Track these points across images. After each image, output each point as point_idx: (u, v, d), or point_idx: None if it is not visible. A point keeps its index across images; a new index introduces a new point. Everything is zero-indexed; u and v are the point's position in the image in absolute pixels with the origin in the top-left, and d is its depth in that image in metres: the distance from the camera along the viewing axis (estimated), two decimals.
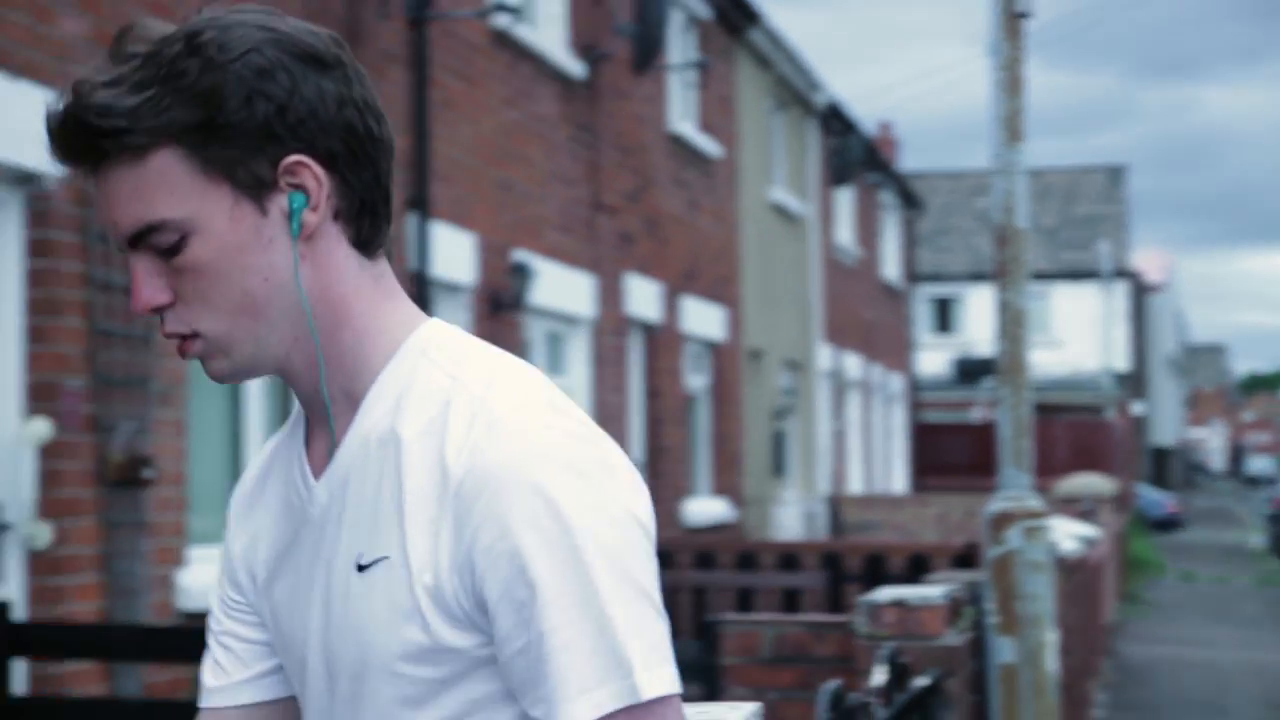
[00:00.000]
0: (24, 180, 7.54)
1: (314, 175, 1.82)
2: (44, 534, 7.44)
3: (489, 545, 1.73)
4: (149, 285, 1.82)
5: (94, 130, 1.78)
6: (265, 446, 2.04)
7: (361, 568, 1.81)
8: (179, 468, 8.47)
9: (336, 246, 1.84)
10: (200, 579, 8.55)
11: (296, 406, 1.96)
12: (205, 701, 2.03)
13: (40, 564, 7.53)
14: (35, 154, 7.38)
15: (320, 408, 1.89)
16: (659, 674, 1.72)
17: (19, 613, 7.33)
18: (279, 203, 1.81)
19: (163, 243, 1.80)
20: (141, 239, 1.81)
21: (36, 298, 7.57)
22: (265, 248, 1.80)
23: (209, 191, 1.79)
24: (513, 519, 1.72)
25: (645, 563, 1.76)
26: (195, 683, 8.18)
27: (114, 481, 7.82)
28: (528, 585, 1.71)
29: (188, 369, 8.62)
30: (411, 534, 1.78)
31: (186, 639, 7.11)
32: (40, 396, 7.54)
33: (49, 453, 7.52)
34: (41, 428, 7.41)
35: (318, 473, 1.89)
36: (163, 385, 8.30)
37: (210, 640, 2.04)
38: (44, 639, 6.77)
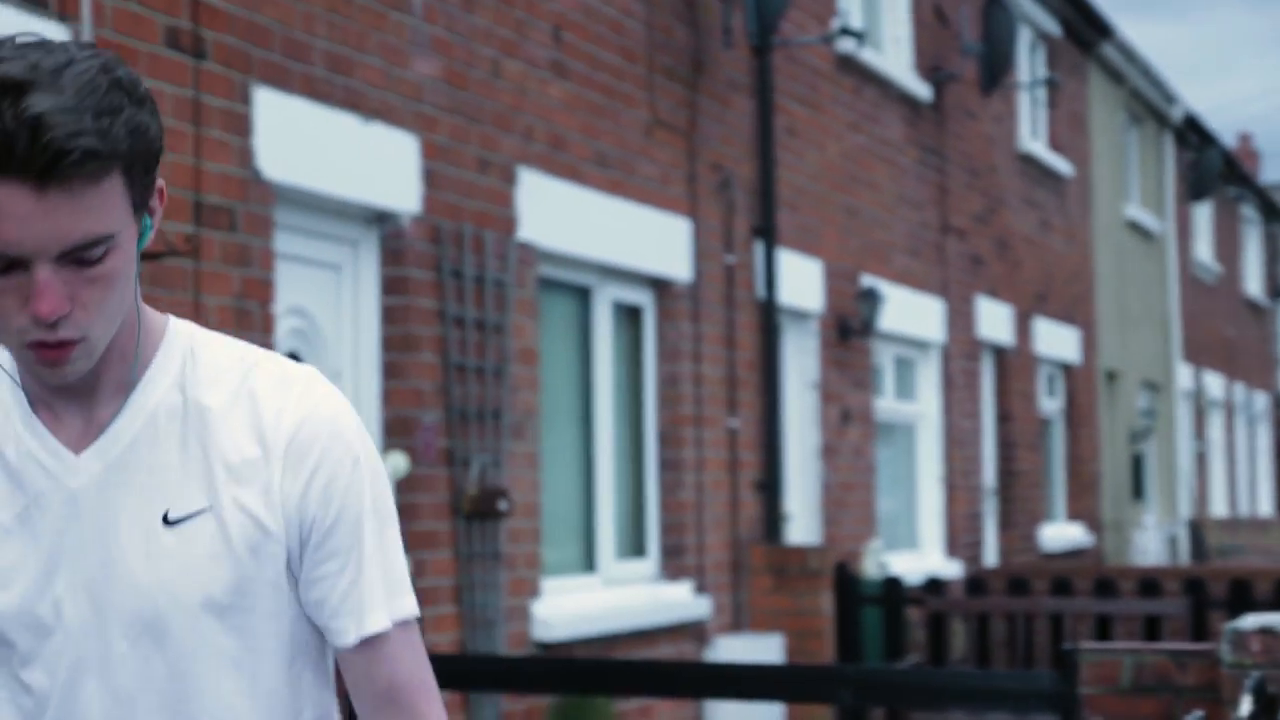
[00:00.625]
0: (379, 219, 7.71)
1: (162, 198, 2.08)
2: None
3: (325, 486, 2.09)
4: (61, 294, 1.96)
5: (65, 149, 1.91)
6: None
7: (171, 522, 2.06)
8: (532, 499, 8.57)
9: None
10: (555, 610, 8.63)
11: None
12: None
13: None
14: (390, 194, 7.55)
15: (84, 391, 2.09)
16: (412, 598, 2.16)
17: None
18: (142, 221, 2.04)
19: (95, 255, 1.97)
20: (76, 251, 1.95)
21: (392, 334, 7.73)
22: (133, 260, 2.02)
23: (127, 211, 1.99)
24: (341, 465, 2.10)
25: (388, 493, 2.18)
26: (550, 712, 8.27)
27: (469, 514, 7.94)
28: (353, 520, 2.11)
29: (540, 401, 8.72)
30: (237, 486, 2.07)
31: (543, 669, 7.19)
32: (397, 431, 7.70)
33: (406, 486, 7.67)
34: (399, 462, 7.56)
35: (74, 447, 2.09)
36: (516, 418, 8.41)
37: None
38: None
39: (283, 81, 6.98)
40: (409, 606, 2.15)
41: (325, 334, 7.53)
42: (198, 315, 6.43)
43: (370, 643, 2.13)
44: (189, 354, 2.14)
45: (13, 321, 1.97)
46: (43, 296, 1.94)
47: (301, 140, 7.08)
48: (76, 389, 2.10)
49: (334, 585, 2.12)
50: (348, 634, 2.13)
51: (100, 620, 2.08)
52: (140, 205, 2.01)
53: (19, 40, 1.99)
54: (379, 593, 2.13)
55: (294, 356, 7.34)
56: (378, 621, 2.13)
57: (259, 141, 6.81)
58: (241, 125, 6.73)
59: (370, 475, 2.13)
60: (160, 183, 2.06)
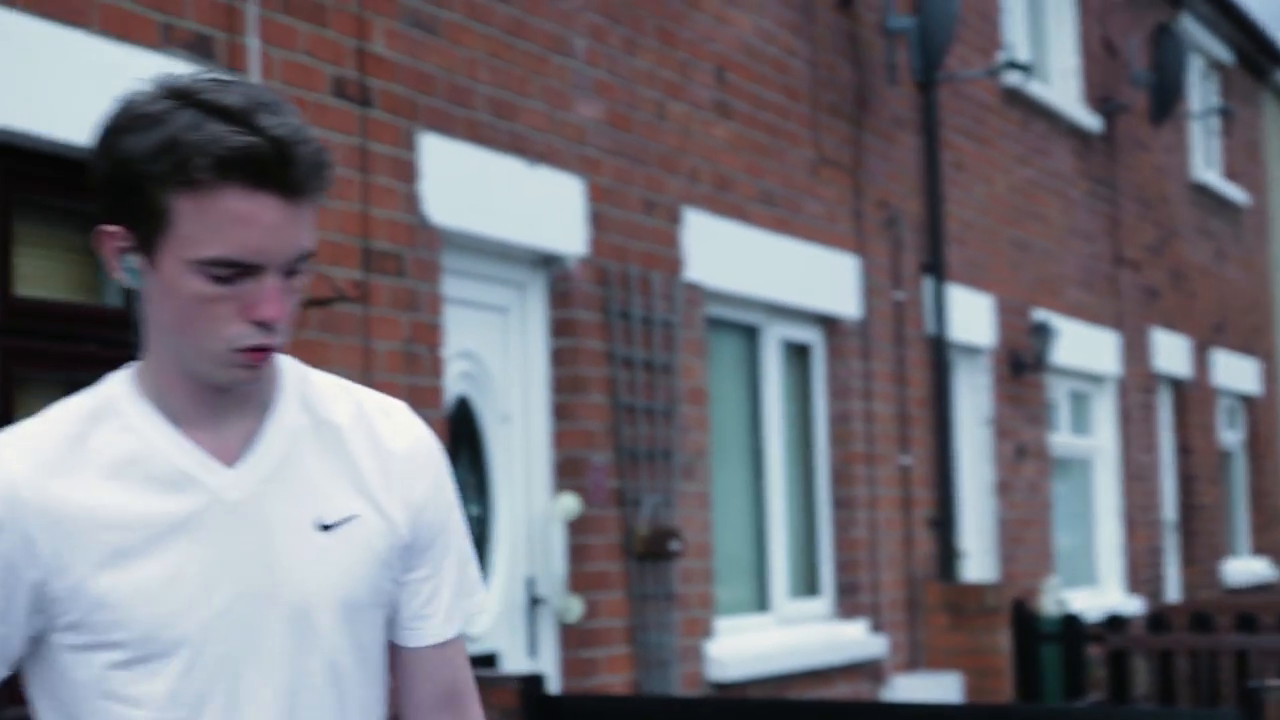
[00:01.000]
0: (546, 262, 7.77)
1: None
2: (575, 607, 7.61)
3: (432, 500, 2.31)
4: (284, 302, 2.14)
5: (316, 165, 2.13)
6: (36, 448, 2.20)
7: (326, 528, 2.22)
8: (704, 539, 8.57)
9: None
10: (729, 650, 8.62)
11: (90, 406, 2.24)
12: None
13: (572, 637, 7.70)
14: (556, 236, 7.60)
15: (231, 407, 2.23)
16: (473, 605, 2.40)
17: (553, 685, 7.51)
18: None
19: (301, 268, 2.16)
20: (296, 263, 2.14)
21: (561, 376, 7.77)
22: None
23: None
24: (441, 482, 2.34)
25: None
26: None
27: (641, 555, 7.95)
28: (444, 532, 2.33)
29: (710, 441, 8.72)
30: (378, 496, 2.27)
31: (718, 709, 7.17)
32: (567, 473, 7.74)
33: (577, 528, 7.70)
34: (570, 503, 7.59)
35: (224, 461, 2.21)
36: (686, 458, 8.41)
37: None
38: (577, 711, 6.91)
39: (448, 127, 7.05)
40: (471, 614, 2.39)
41: (494, 377, 7.59)
42: (367, 360, 6.50)
43: (441, 645, 2.35)
44: (303, 378, 2.31)
45: (226, 329, 2.13)
46: (272, 302, 2.12)
47: (467, 185, 7.15)
48: (226, 405, 2.23)
49: (419, 590, 2.33)
50: (425, 636, 2.35)
51: (264, 623, 2.20)
52: None
53: (197, 75, 2.16)
54: (455, 600, 2.36)
55: (462, 400, 7.40)
56: (452, 627, 2.36)
57: (425, 187, 6.89)
58: (408, 171, 6.82)
59: (454, 493, 2.38)
60: None
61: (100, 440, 2.20)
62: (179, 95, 2.12)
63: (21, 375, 5.39)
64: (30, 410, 5.39)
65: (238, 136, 2.07)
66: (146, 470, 2.19)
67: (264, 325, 2.12)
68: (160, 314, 2.17)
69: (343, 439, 2.28)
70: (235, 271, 2.11)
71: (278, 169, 2.08)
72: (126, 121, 2.13)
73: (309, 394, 2.29)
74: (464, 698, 2.41)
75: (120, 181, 2.12)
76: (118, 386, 2.25)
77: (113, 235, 2.16)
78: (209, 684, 2.18)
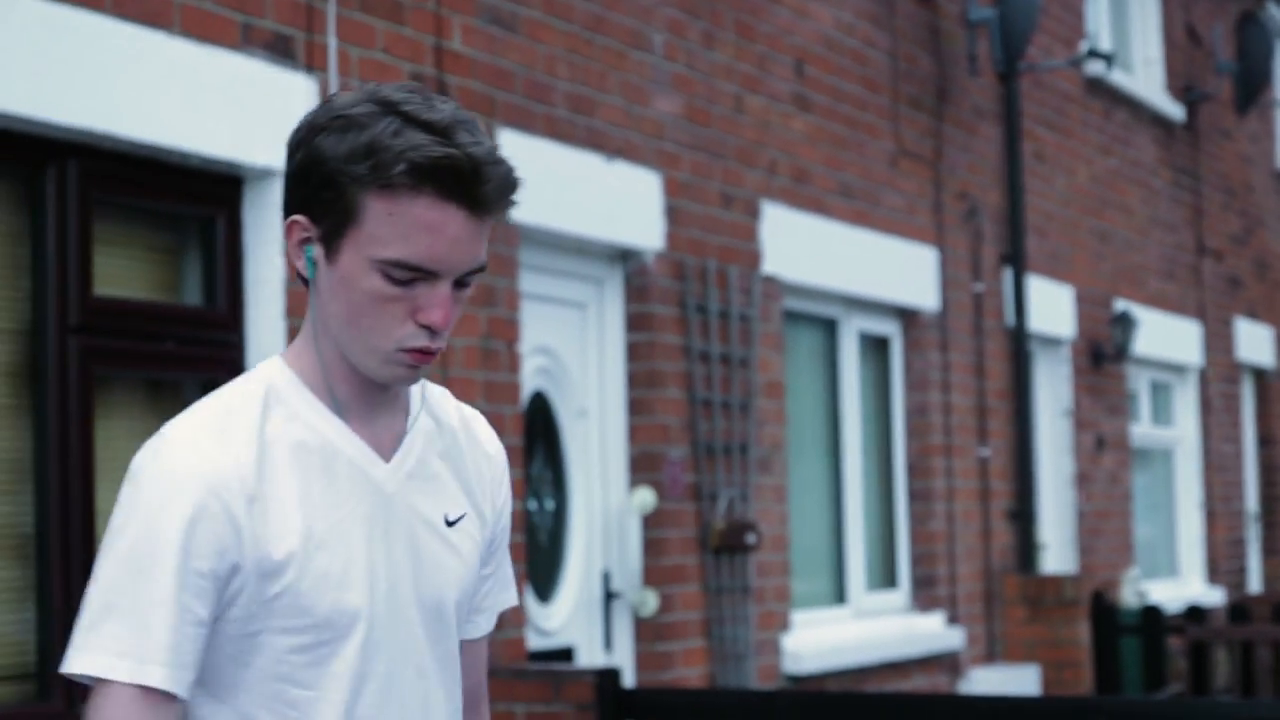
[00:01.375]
0: (624, 257, 7.78)
1: None
2: (650, 601, 7.63)
3: (507, 504, 2.49)
4: (453, 310, 2.25)
5: (508, 185, 2.25)
6: (227, 434, 2.26)
7: (450, 523, 2.37)
8: (781, 532, 8.57)
9: None
10: (806, 643, 8.62)
11: (257, 393, 2.29)
12: (176, 686, 2.19)
13: (647, 630, 7.73)
14: (634, 231, 7.62)
15: (385, 404, 2.35)
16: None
17: (628, 679, 7.54)
18: None
19: (471, 280, 2.27)
20: (470, 274, 2.25)
21: (637, 371, 7.79)
22: None
23: None
24: (509, 484, 2.51)
25: None
26: None
27: (717, 548, 7.97)
28: (506, 530, 2.51)
29: (786, 434, 8.73)
30: (477, 496, 2.42)
31: (794, 703, 7.18)
32: (643, 467, 7.75)
33: (653, 521, 7.72)
34: (646, 497, 7.61)
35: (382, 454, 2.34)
36: (762, 451, 8.42)
37: (187, 631, 2.20)
38: (653, 704, 6.93)
39: (526, 123, 7.08)
40: (503, 610, 2.56)
41: (571, 372, 7.62)
42: (445, 356, 6.54)
43: (482, 639, 2.54)
44: (422, 383, 2.43)
45: (396, 329, 2.24)
46: (442, 308, 2.24)
47: (545, 180, 7.17)
48: (381, 401, 2.36)
49: (481, 586, 2.50)
50: (480, 629, 2.52)
51: (408, 610, 2.34)
52: None
53: (403, 87, 2.27)
54: (499, 595, 2.54)
55: (539, 395, 7.44)
56: (492, 621, 2.53)
57: None
58: None
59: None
60: None
61: (273, 428, 2.28)
62: (383, 103, 2.22)
63: (101, 374, 5.46)
64: (109, 409, 5.46)
65: (437, 147, 2.18)
66: (321, 459, 2.29)
67: (430, 329, 2.23)
68: (332, 306, 2.26)
69: (455, 441, 2.43)
70: (413, 275, 2.21)
71: (470, 183, 2.19)
72: (328, 121, 2.23)
73: (429, 398, 2.43)
74: (484, 691, 2.58)
75: (317, 176, 2.23)
76: (276, 375, 2.32)
77: (299, 225, 2.26)
78: (371, 666, 2.29)
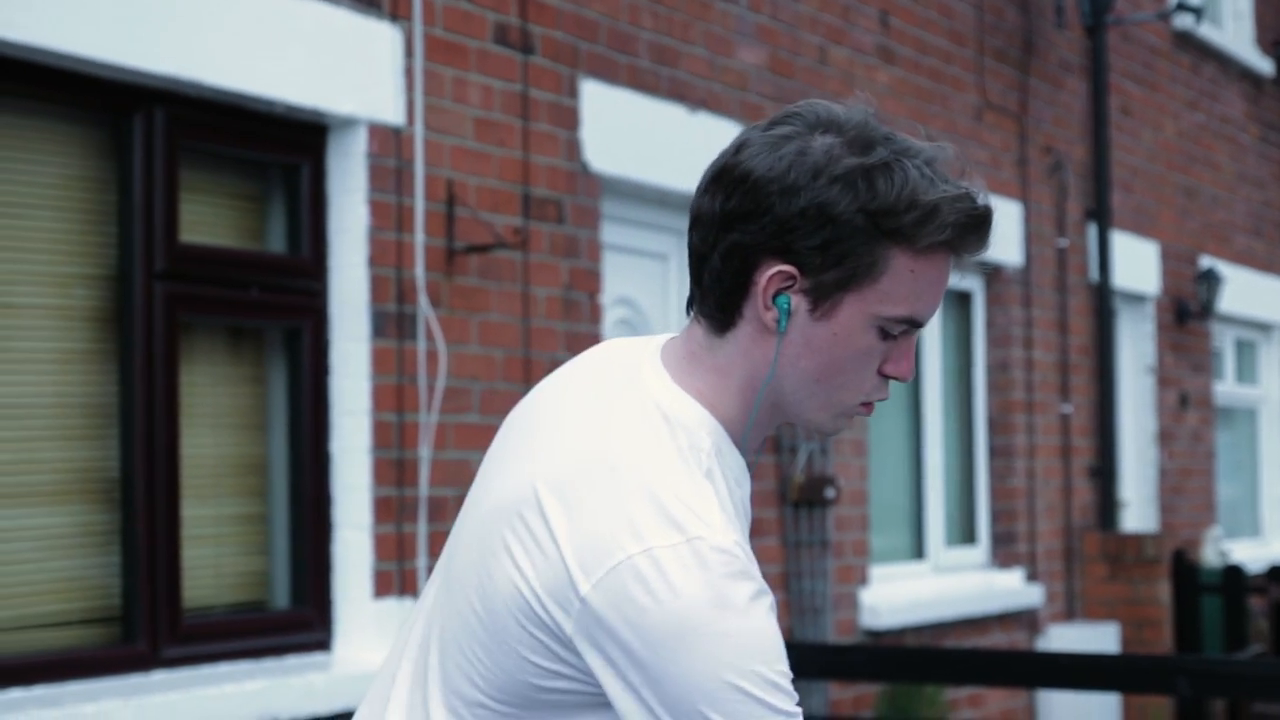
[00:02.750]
0: None
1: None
2: None
3: None
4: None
5: (990, 236, 2.11)
6: (725, 509, 2.04)
7: None
8: (860, 487, 8.56)
9: None
10: (884, 597, 8.61)
11: (712, 452, 2.07)
12: None
13: None
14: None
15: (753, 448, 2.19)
16: None
17: None
18: None
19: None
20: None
21: None
22: None
23: None
24: None
25: None
26: (880, 700, 8.25)
27: (796, 502, 7.96)
28: None
29: None
30: None
31: (872, 657, 7.17)
32: None
33: None
34: None
35: None
36: None
37: None
38: None
39: (609, 74, 7.06)
40: None
41: (652, 323, 7.61)
42: (526, 306, 6.55)
43: None
44: None
45: (867, 382, 2.10)
46: (911, 359, 2.11)
47: (628, 132, 7.16)
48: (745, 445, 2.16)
49: None
50: None
51: None
52: None
53: (866, 111, 2.14)
54: None
55: None
56: None
57: (586, 134, 6.91)
58: (569, 118, 6.84)
59: None
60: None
61: (724, 492, 2.07)
62: (883, 142, 2.09)
63: (185, 320, 5.49)
64: (193, 355, 5.50)
65: (969, 203, 2.06)
66: (743, 525, 2.12)
67: (903, 381, 2.11)
68: (804, 361, 2.08)
69: None
70: (905, 330, 2.08)
71: (985, 238, 2.09)
72: (846, 170, 2.05)
73: None
74: None
75: (830, 227, 2.04)
76: (708, 426, 2.10)
77: (783, 274, 2.06)
78: None
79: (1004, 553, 10.00)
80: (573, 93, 6.86)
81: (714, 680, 1.92)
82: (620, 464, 2.03)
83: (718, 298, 2.10)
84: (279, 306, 5.79)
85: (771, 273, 2.06)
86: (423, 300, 6.08)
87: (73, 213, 5.27)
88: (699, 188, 2.15)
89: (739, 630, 1.93)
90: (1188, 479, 12.18)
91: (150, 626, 5.30)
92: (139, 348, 5.31)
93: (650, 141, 7.28)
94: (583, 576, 1.96)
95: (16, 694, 4.91)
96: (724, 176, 2.09)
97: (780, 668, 1.96)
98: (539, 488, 2.05)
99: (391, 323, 5.99)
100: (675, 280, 7.71)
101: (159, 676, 5.32)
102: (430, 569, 5.96)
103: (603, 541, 1.97)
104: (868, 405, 2.12)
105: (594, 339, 6.91)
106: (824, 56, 8.45)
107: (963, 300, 9.94)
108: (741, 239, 2.07)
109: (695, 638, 1.92)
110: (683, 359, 2.14)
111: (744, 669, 1.92)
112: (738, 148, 2.10)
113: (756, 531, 7.74)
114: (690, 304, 2.17)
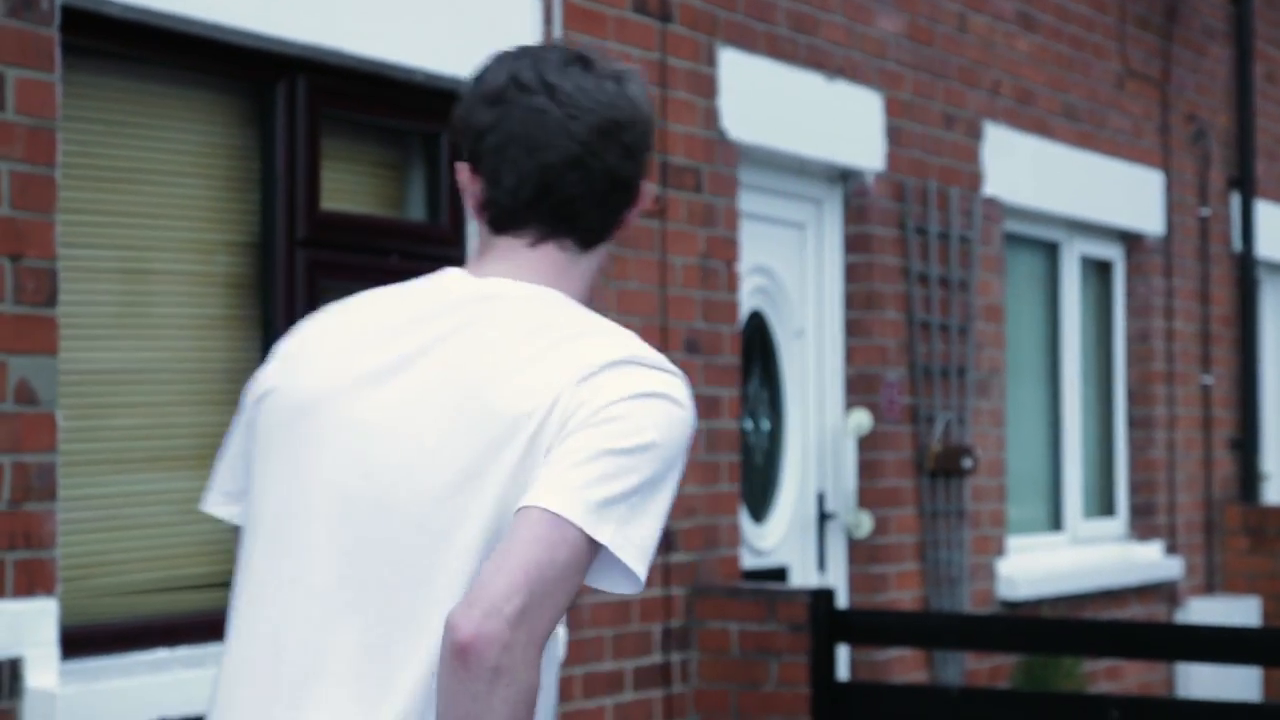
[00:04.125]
0: (843, 178, 7.73)
1: (466, 177, 2.41)
2: (865, 523, 7.62)
3: None
4: None
5: None
6: None
7: None
8: (998, 457, 8.50)
9: (480, 223, 2.43)
10: (1021, 568, 8.56)
11: None
12: None
13: (861, 552, 7.71)
14: (854, 151, 7.57)
15: None
16: None
17: (841, 600, 7.54)
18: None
19: None
20: None
21: (855, 292, 7.74)
22: None
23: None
24: None
25: None
26: (1016, 672, 8.21)
27: (933, 471, 7.92)
28: None
29: (1005, 358, 8.64)
30: None
31: (1009, 628, 7.14)
32: (860, 389, 7.72)
33: (869, 444, 7.69)
34: (863, 419, 7.58)
35: None
36: (980, 375, 8.34)
37: None
38: (865, 626, 6.94)
39: (747, 42, 7.04)
40: None
41: (789, 292, 7.60)
42: (664, 274, 6.56)
43: None
44: None
45: None
46: None
47: (765, 100, 7.14)
48: None
49: None
50: None
51: None
52: None
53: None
54: None
55: (756, 315, 7.43)
56: None
57: (724, 102, 6.90)
58: (707, 86, 6.83)
59: None
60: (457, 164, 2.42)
61: None
62: None
63: (326, 286, 5.54)
64: None
65: None
66: None
67: None
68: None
69: None
70: None
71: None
72: None
73: None
74: None
75: None
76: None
77: None
78: None
79: (1143, 525, 9.90)
80: (711, 61, 6.85)
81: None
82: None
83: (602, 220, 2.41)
84: (418, 274, 5.81)
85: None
86: None
87: (216, 180, 5.33)
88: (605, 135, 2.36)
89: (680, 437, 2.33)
90: None
91: None
92: (280, 314, 5.37)
93: (788, 109, 7.26)
94: None
95: (162, 654, 4.99)
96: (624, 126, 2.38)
97: None
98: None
99: None
100: (812, 249, 7.69)
101: None
102: None
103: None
104: None
105: (731, 307, 6.90)
106: (963, 24, 8.38)
107: (1103, 270, 9.84)
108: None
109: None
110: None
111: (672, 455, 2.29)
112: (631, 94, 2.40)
113: (891, 501, 7.72)
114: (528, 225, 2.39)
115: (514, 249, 2.37)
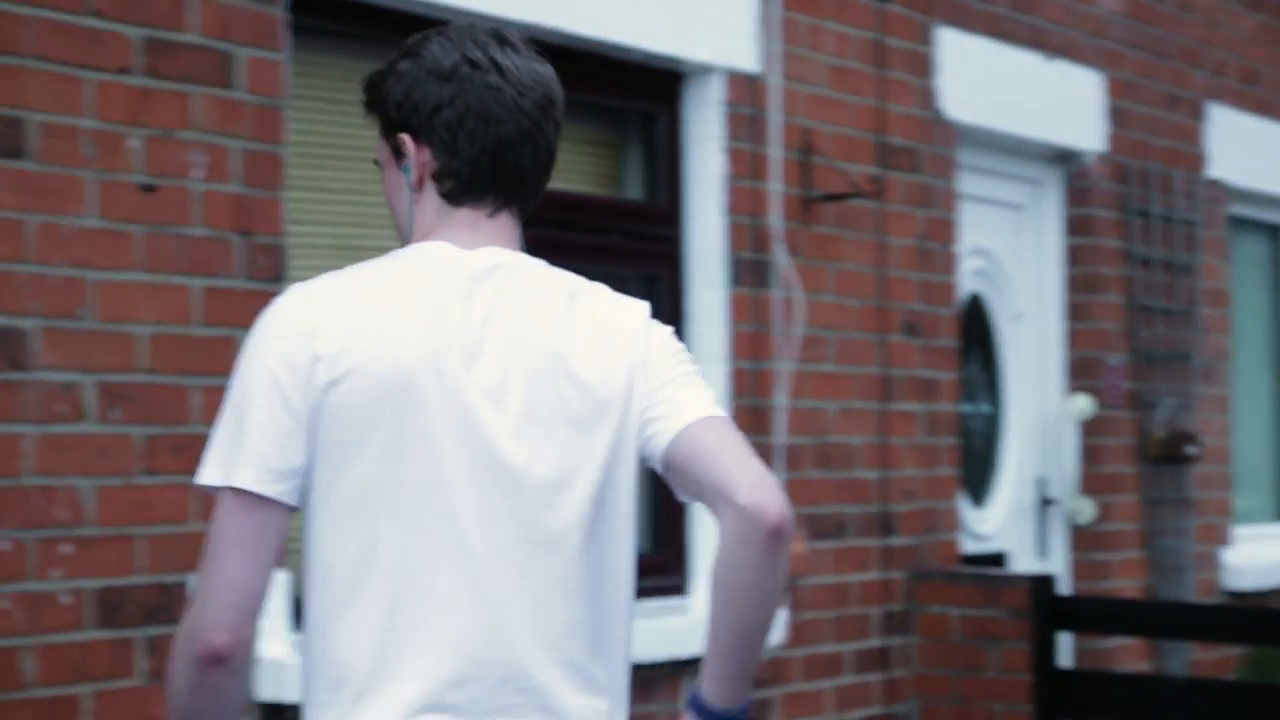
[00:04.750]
0: (1063, 159, 7.63)
1: (412, 149, 2.52)
2: (1087, 510, 7.50)
3: None
4: None
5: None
6: None
7: None
8: (1223, 444, 8.33)
9: (426, 195, 2.53)
10: (1248, 558, 8.38)
11: None
12: None
13: (1083, 539, 7.59)
14: (1074, 132, 7.46)
15: None
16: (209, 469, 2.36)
17: (1063, 586, 7.42)
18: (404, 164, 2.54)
19: None
20: None
21: (1076, 275, 7.63)
22: (398, 190, 2.54)
23: (385, 148, 2.56)
24: None
25: (245, 383, 2.43)
26: (1242, 663, 8.03)
27: (1155, 458, 7.78)
28: None
29: (1231, 344, 8.47)
30: None
31: (1235, 619, 6.98)
32: (1081, 373, 7.61)
33: (1091, 429, 7.57)
34: (1084, 404, 7.47)
35: None
36: (1205, 361, 8.18)
37: None
38: (1088, 613, 6.83)
39: (965, 21, 6.97)
40: (204, 476, 2.37)
41: (1008, 274, 7.50)
42: (881, 255, 6.51)
43: None
44: None
45: None
46: None
47: (984, 80, 7.06)
48: None
49: None
50: None
51: None
52: (395, 150, 2.54)
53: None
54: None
55: (974, 297, 7.35)
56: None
57: (942, 82, 6.83)
58: (924, 66, 6.77)
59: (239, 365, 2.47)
60: (403, 136, 2.51)
61: None
62: None
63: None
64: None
65: None
66: None
67: None
68: None
69: None
70: None
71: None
72: None
73: None
74: None
75: None
76: None
77: None
78: None
79: None
80: (928, 40, 6.79)
81: None
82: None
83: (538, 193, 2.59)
84: (637, 253, 5.84)
85: None
86: (780, 249, 6.07)
87: None
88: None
89: None
90: None
91: None
92: None
93: (1007, 90, 7.18)
94: None
95: None
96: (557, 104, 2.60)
97: None
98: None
99: (748, 271, 6.00)
100: (1032, 231, 7.59)
101: None
102: None
103: None
104: None
105: (949, 289, 6.84)
106: (1186, 3, 8.23)
107: None
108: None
109: None
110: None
111: None
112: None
113: (1113, 488, 7.60)
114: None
115: (478, 219, 2.51)
